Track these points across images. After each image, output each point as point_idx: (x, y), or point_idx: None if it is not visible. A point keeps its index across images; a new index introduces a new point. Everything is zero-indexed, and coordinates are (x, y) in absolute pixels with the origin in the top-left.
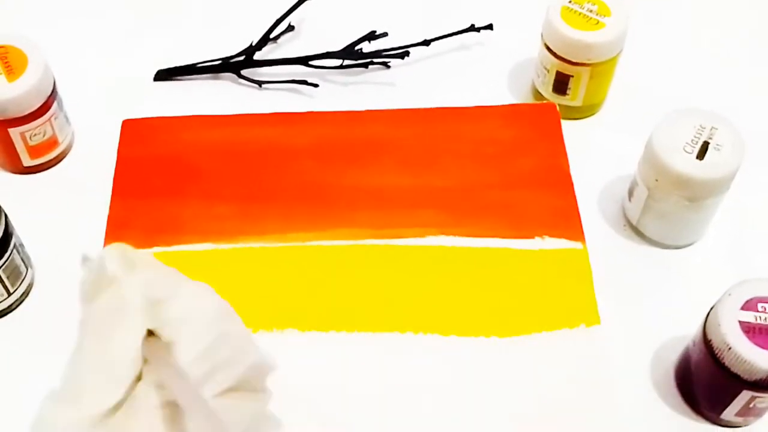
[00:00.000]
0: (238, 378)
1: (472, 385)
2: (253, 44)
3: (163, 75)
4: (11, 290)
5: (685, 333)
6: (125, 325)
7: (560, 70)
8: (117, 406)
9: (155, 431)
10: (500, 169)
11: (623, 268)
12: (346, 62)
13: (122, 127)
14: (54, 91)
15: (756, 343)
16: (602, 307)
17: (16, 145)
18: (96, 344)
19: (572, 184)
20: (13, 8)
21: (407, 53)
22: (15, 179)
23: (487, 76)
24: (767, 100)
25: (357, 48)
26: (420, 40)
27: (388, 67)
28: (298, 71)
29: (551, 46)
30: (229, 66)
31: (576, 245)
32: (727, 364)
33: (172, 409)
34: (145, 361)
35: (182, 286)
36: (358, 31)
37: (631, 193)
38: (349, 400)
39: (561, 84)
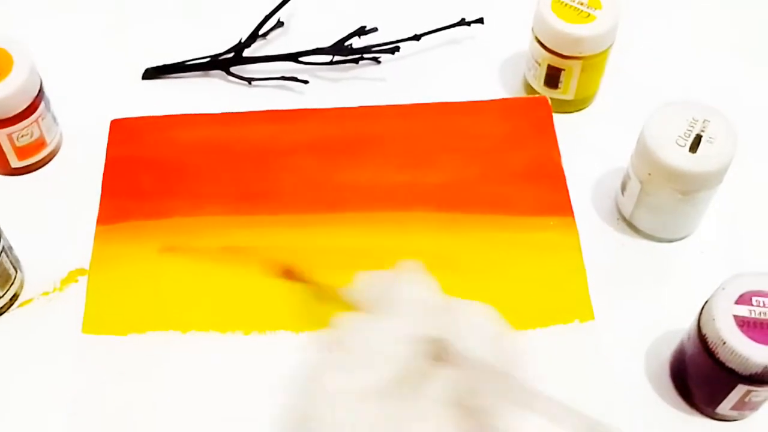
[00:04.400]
0: None
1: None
2: (242, 41)
3: (152, 73)
4: (0, 294)
5: (680, 327)
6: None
7: (551, 63)
8: (391, 384)
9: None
10: (492, 164)
11: (617, 263)
12: (336, 58)
13: (110, 127)
14: (41, 92)
15: (751, 338)
16: (596, 302)
17: (3, 147)
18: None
19: (565, 178)
20: None
21: (397, 48)
22: (2, 181)
23: (478, 70)
24: (760, 92)
25: (347, 44)
26: (410, 35)
27: (379, 62)
28: (288, 68)
29: (542, 40)
30: (218, 63)
31: (569, 240)
32: (721, 358)
33: (465, 412)
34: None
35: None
36: (348, 26)
37: (624, 187)
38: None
39: (552, 77)
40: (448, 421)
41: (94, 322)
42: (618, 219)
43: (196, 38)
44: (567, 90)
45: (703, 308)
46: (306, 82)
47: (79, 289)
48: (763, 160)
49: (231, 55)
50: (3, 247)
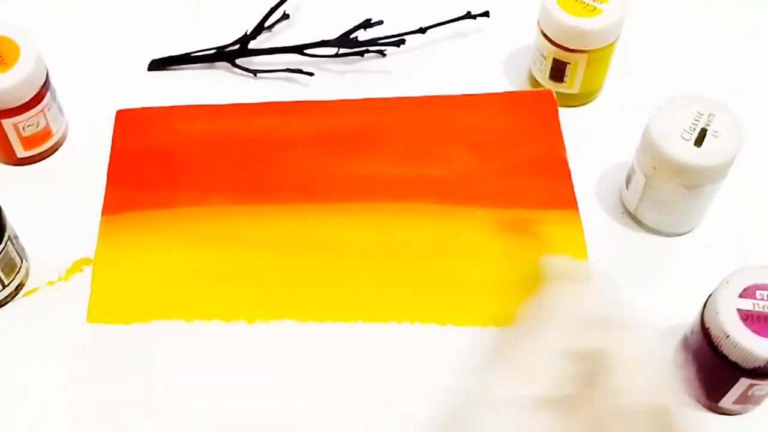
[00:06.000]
0: None
1: (470, 374)
2: (248, 33)
3: (157, 65)
4: (6, 282)
5: (683, 321)
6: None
7: (557, 57)
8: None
9: None
10: (497, 157)
11: (621, 256)
12: (342, 51)
13: (116, 117)
14: (47, 82)
15: (754, 331)
16: None
17: (10, 137)
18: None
19: (569, 172)
20: None
21: (403, 41)
22: (9, 171)
23: (483, 64)
24: (765, 87)
25: (352, 36)
26: (416, 27)
27: (384, 55)
28: (294, 60)
29: (548, 33)
30: (223, 55)
31: (573, 233)
32: (725, 352)
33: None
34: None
35: None
36: (354, 19)
37: (628, 181)
38: (350, 390)
39: (558, 71)
40: None
41: (99, 312)
42: (622, 213)
43: (202, 30)
44: (572, 84)
45: (706, 302)
46: (311, 74)
47: (84, 278)
48: None
49: (236, 47)
50: (9, 237)
